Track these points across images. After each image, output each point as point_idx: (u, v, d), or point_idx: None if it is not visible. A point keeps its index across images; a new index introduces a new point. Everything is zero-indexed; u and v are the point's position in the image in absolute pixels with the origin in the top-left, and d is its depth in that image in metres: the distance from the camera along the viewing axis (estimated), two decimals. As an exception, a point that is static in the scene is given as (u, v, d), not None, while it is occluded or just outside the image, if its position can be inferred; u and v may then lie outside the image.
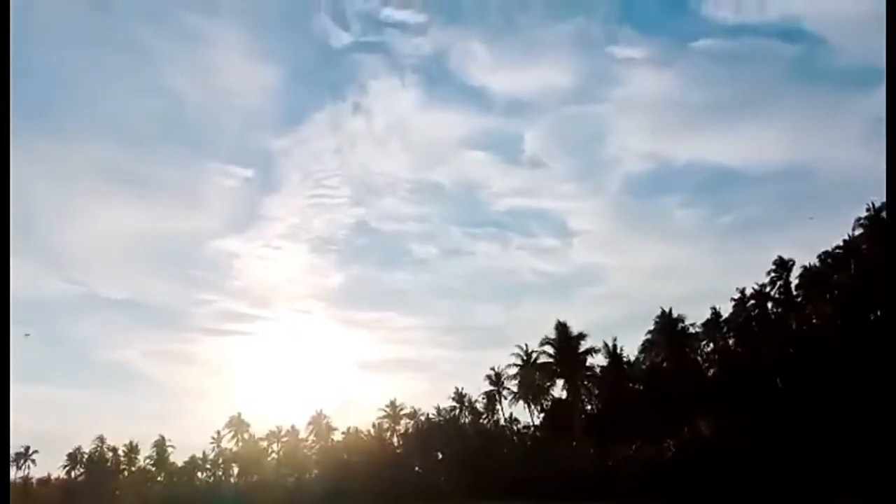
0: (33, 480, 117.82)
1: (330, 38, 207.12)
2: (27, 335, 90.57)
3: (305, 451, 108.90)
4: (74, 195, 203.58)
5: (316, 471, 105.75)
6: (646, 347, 77.09)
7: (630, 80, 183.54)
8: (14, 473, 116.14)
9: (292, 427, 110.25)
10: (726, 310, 71.34)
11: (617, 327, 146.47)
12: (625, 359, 79.09)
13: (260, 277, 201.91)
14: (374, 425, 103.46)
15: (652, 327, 75.96)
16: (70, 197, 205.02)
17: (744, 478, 51.18)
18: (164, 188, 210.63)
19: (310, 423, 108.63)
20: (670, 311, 75.07)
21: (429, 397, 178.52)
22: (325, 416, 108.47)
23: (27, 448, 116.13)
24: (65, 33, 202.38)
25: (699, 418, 68.55)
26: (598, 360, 79.91)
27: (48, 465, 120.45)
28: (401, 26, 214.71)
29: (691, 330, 73.96)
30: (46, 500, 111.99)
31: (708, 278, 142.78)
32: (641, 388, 75.05)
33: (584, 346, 79.81)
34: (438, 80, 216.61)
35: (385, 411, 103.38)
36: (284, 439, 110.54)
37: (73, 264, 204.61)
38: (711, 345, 73.95)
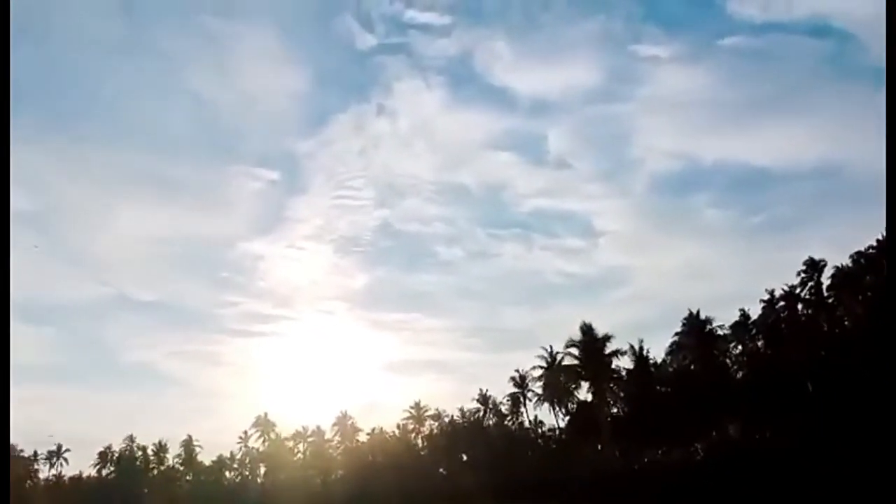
0: (66, 478, 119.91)
1: (354, 41, 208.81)
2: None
3: (331, 451, 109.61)
4: (105, 199, 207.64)
5: (341, 471, 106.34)
6: (673, 350, 76.17)
7: (655, 78, 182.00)
8: (47, 471, 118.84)
9: (317, 427, 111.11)
10: (755, 311, 70.37)
11: (643, 329, 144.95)
12: (651, 361, 78.19)
13: (285, 279, 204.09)
14: (398, 426, 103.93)
15: (679, 329, 75.05)
16: (101, 201, 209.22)
17: (773, 482, 50.27)
18: (191, 191, 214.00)
19: (335, 424, 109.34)
20: (698, 312, 74.08)
21: (453, 399, 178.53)
22: (350, 417, 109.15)
23: (59, 446, 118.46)
24: (94, 41, 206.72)
25: (728, 421, 67.64)
26: (625, 363, 79.06)
27: (80, 464, 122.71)
28: (425, 28, 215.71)
29: (720, 332, 72.86)
30: (78, 497, 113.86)
31: (737, 279, 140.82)
32: (669, 390, 74.14)
33: (610, 347, 78.89)
34: (462, 80, 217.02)
35: (409, 413, 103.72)
36: (310, 439, 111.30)
37: (105, 267, 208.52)
38: (740, 347, 72.83)
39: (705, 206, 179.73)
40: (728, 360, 73.44)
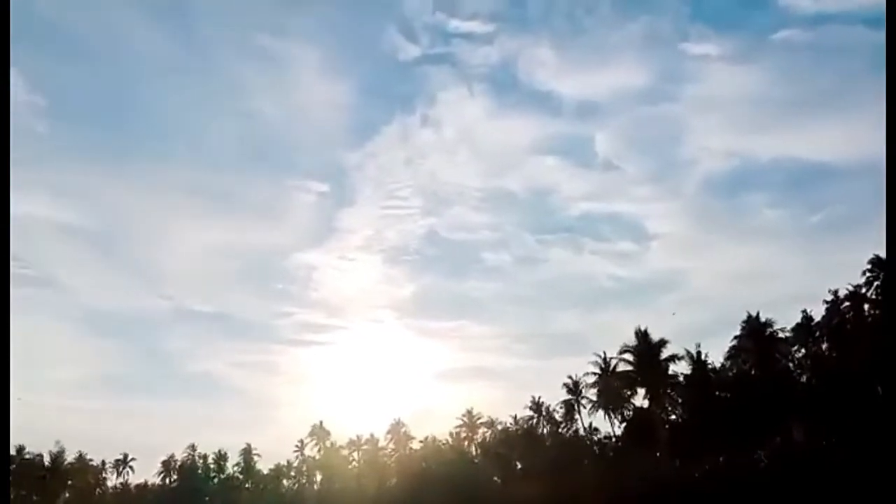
0: (132, 486, 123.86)
1: (398, 52, 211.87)
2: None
3: (385, 459, 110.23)
4: (164, 215, 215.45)
5: (395, 479, 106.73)
6: (732, 354, 73.79)
7: (705, 77, 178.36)
8: (114, 479, 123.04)
9: (371, 435, 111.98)
10: (818, 313, 67.66)
11: (700, 333, 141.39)
12: (710, 366, 76.03)
13: (336, 289, 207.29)
14: (451, 434, 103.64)
15: (738, 332, 72.82)
16: (160, 217, 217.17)
17: (841, 489, 48.18)
18: (245, 205, 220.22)
19: (388, 432, 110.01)
20: (758, 315, 71.68)
21: (504, 406, 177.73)
22: (403, 425, 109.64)
23: (126, 455, 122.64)
24: (155, 63, 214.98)
25: (792, 427, 65.09)
26: (682, 368, 77.18)
27: (145, 472, 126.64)
28: (468, 37, 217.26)
29: (781, 335, 70.36)
30: (144, 503, 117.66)
31: (797, 280, 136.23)
32: (728, 396, 71.85)
33: (665, 353, 77.33)
34: (507, 87, 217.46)
35: (462, 420, 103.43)
36: (364, 447, 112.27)
37: (165, 280, 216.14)
38: (803, 350, 70.09)
39: (761, 205, 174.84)
40: (791, 364, 70.78)
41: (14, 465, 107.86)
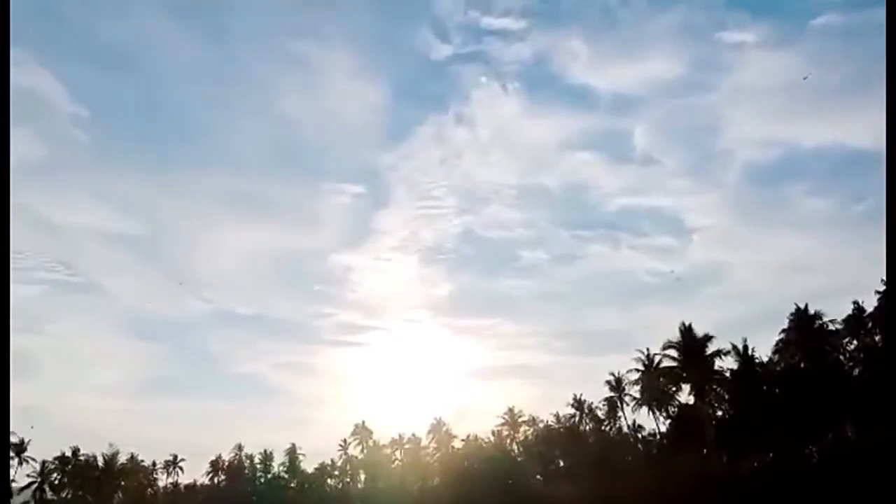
0: (181, 486, 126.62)
1: (431, 52, 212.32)
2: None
3: (427, 458, 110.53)
4: (204, 219, 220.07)
5: (438, 478, 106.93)
6: (780, 347, 71.95)
7: (743, 65, 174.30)
8: (164, 480, 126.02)
9: (413, 434, 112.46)
10: (870, 303, 65.53)
11: (745, 327, 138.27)
12: (757, 360, 74.25)
13: (373, 290, 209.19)
14: (493, 433, 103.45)
15: (785, 325, 70.98)
16: (200, 221, 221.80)
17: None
18: (283, 208, 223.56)
19: (430, 431, 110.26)
20: (805, 307, 69.79)
21: (543, 404, 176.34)
22: (444, 424, 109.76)
23: (175, 456, 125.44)
24: (188, 71, 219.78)
25: (844, 421, 63.15)
26: (728, 363, 75.55)
27: (194, 472, 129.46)
28: (500, 34, 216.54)
29: (831, 327, 68.37)
30: (193, 503, 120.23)
31: (845, 270, 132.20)
32: (777, 390, 70.11)
33: (711, 348, 75.80)
34: (540, 83, 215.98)
35: (503, 419, 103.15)
36: (407, 446, 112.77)
37: (207, 284, 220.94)
38: (855, 342, 67.96)
39: (804, 195, 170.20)
40: (842, 357, 68.67)
41: (70, 466, 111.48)
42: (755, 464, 69.30)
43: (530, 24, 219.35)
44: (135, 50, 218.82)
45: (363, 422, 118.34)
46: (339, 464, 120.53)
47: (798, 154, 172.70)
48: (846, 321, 67.21)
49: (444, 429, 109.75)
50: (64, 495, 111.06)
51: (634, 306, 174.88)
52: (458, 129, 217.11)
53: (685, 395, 79.00)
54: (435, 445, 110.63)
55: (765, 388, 72.26)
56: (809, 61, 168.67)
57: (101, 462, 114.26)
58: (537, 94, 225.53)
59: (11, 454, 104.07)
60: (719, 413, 77.83)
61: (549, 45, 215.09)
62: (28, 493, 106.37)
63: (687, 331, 77.28)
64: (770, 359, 73.39)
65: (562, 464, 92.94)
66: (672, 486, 64.54)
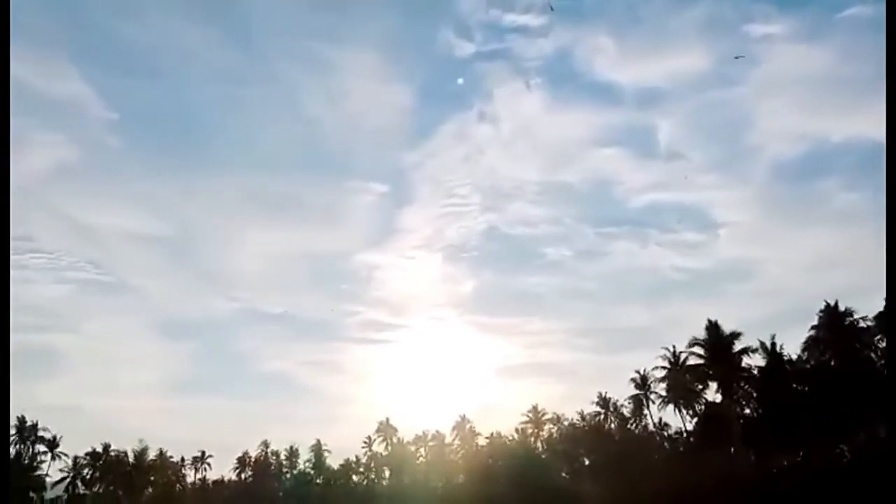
0: (209, 482, 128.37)
1: (454, 51, 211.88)
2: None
3: (451, 455, 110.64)
4: (231, 221, 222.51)
5: (462, 475, 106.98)
6: (809, 345, 70.63)
7: (771, 58, 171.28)
8: (193, 475, 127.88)
9: (437, 432, 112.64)
10: (904, 300, 63.91)
11: (773, 324, 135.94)
12: (786, 358, 72.96)
13: (398, 288, 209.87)
14: (517, 430, 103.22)
15: (815, 322, 69.65)
16: (228, 222, 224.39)
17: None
18: (308, 208, 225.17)
19: (454, 428, 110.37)
20: (836, 303, 68.44)
21: (568, 401, 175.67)
22: (469, 421, 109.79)
23: (203, 452, 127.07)
24: (214, 74, 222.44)
25: (876, 421, 61.73)
26: (755, 361, 74.35)
27: (222, 468, 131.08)
28: (523, 30, 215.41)
29: (862, 324, 66.92)
30: (221, 499, 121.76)
31: (877, 266, 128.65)
32: (806, 388, 68.88)
33: (738, 345, 74.66)
34: (564, 79, 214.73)
35: (528, 416, 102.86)
36: (431, 444, 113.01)
37: (234, 283, 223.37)
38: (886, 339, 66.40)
39: (835, 189, 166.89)
40: (874, 355, 67.14)
41: (101, 462, 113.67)
42: (785, 463, 68.20)
43: (552, 20, 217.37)
44: (162, 55, 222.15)
45: (387, 419, 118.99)
46: (363, 461, 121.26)
47: (827, 148, 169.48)
48: (877, 318, 65.65)
49: (468, 426, 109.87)
50: (96, 490, 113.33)
51: (660, 303, 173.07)
52: (482, 126, 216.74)
53: (712, 393, 78.10)
54: (459, 443, 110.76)
55: (794, 385, 71.01)
56: (838, 54, 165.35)
57: (131, 458, 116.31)
58: (561, 91, 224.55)
59: (45, 449, 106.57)
60: (747, 411, 76.69)
61: (572, 41, 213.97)
62: (61, 488, 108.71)
63: (714, 328, 76.23)
64: (799, 356, 72.14)
65: (587, 462, 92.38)
66: (699, 485, 63.76)
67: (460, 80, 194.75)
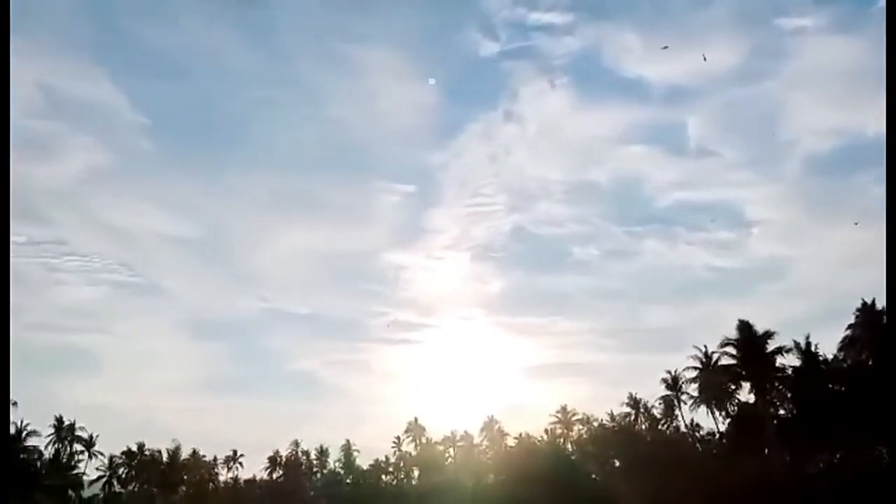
0: (241, 481, 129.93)
1: (479, 50, 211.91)
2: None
3: (480, 455, 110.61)
4: (259, 221, 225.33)
5: (491, 476, 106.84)
6: (845, 344, 69.25)
7: (803, 51, 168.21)
8: (225, 474, 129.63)
9: (466, 432, 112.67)
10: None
11: (808, 324, 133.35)
12: (821, 358, 71.56)
13: (426, 288, 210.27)
14: (546, 431, 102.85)
15: (851, 321, 68.26)
16: (255, 223, 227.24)
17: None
18: (335, 209, 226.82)
19: (483, 429, 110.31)
20: (873, 302, 66.95)
21: (595, 402, 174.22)
22: (497, 422, 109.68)
23: (235, 452, 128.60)
24: (240, 76, 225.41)
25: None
26: (790, 361, 73.09)
27: (253, 467, 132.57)
28: (548, 28, 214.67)
29: (901, 322, 65.30)
30: (253, 498, 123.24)
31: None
32: (843, 389, 67.53)
33: (772, 345, 73.42)
34: (590, 77, 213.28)
35: (556, 417, 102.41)
36: (460, 444, 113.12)
37: (263, 283, 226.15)
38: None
39: (870, 184, 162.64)
40: (913, 354, 65.51)
41: (136, 461, 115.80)
42: (821, 465, 66.91)
43: (578, 17, 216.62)
44: (190, 58, 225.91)
45: (416, 419, 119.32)
46: (392, 460, 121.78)
47: (863, 142, 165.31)
48: (917, 316, 64.07)
49: (496, 427, 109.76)
50: (131, 488, 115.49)
51: (690, 303, 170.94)
52: (507, 125, 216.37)
53: (745, 394, 76.96)
54: (488, 443, 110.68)
55: (830, 386, 69.70)
56: (873, 46, 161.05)
57: (165, 457, 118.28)
58: (587, 88, 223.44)
59: (81, 448, 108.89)
60: (781, 412, 75.44)
61: (599, 38, 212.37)
62: (98, 486, 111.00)
63: (746, 327, 75.11)
64: (835, 356, 70.79)
65: (617, 463, 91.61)
66: (733, 487, 62.86)
67: (432, 81, 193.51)
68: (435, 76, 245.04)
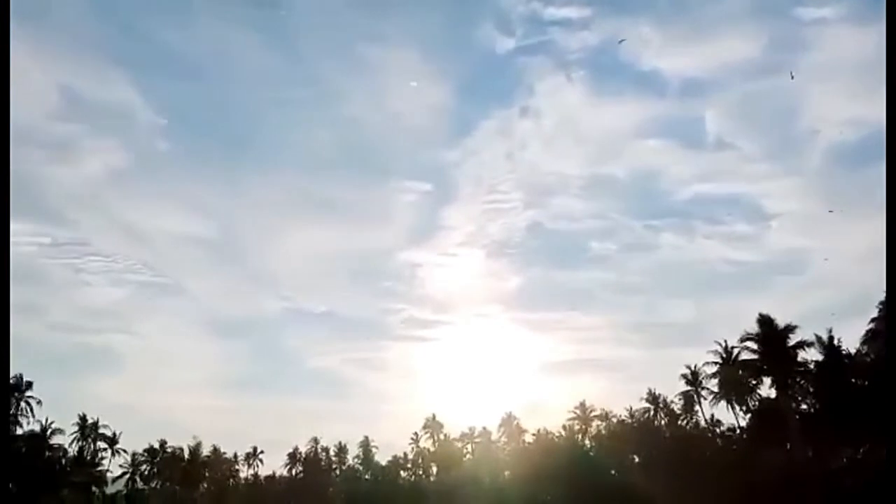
0: (261, 477, 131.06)
1: (494, 46, 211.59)
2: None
3: (498, 452, 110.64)
4: (277, 221, 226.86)
5: (509, 472, 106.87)
6: (869, 338, 68.21)
7: (823, 42, 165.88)
8: (246, 471, 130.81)
9: (484, 428, 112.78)
10: (971, 289, 61.18)
11: (830, 317, 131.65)
12: (844, 352, 70.67)
13: (442, 285, 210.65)
14: (564, 427, 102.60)
15: (875, 315, 67.24)
16: (273, 223, 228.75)
17: None
18: (351, 207, 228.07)
19: (501, 425, 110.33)
20: (896, 295, 65.85)
21: (616, 398, 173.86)
22: (515, 418, 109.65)
23: (255, 448, 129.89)
24: (256, 77, 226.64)
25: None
26: (811, 355, 72.26)
27: (273, 464, 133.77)
28: (564, 23, 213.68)
29: (925, 315, 64.30)
30: (273, 494, 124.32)
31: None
32: (866, 383, 66.59)
33: (793, 339, 72.58)
34: (606, 71, 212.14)
35: (575, 413, 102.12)
36: (477, 440, 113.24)
37: (281, 282, 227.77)
38: (952, 331, 63.66)
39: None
40: (939, 347, 64.49)
41: (158, 458, 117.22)
42: (845, 460, 66.12)
43: (594, 11, 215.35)
44: (205, 58, 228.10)
45: (434, 415, 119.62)
46: (411, 457, 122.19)
47: (883, 134, 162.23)
48: (943, 309, 63.04)
49: (514, 423, 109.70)
50: (153, 485, 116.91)
51: (709, 297, 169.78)
52: (523, 121, 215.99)
53: (766, 389, 76.13)
54: (505, 440, 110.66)
55: (853, 380, 68.78)
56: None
57: (186, 454, 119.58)
58: (603, 82, 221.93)
59: (105, 446, 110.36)
60: (804, 407, 74.62)
61: (615, 32, 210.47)
62: (121, 483, 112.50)
63: (767, 321, 74.28)
64: (858, 350, 69.81)
65: (636, 459, 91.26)
66: (755, 483, 62.36)
67: (413, 83, 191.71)
68: (451, 74, 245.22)
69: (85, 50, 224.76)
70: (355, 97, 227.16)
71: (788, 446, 71.33)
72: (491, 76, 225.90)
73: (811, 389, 73.23)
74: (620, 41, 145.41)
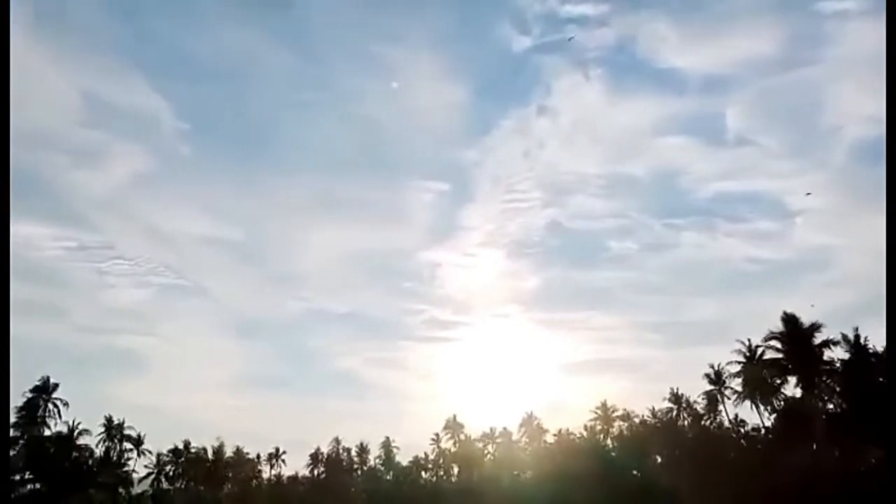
0: (284, 478, 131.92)
1: (511, 45, 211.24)
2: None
3: (519, 452, 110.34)
4: (297, 223, 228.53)
5: (531, 472, 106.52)
6: (896, 336, 67.00)
7: (845, 36, 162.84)
8: (268, 471, 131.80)
9: (504, 429, 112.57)
10: None
11: (855, 315, 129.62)
12: (870, 350, 69.50)
13: (462, 285, 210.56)
14: (585, 427, 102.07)
15: (902, 313, 65.95)
16: (294, 224, 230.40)
17: None
18: (371, 208, 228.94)
19: (521, 425, 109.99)
20: (925, 292, 64.58)
21: (635, 397, 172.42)
22: (536, 418, 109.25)
23: (277, 449, 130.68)
24: (277, 80, 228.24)
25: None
26: (838, 354, 71.16)
27: (295, 464, 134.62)
28: (581, 21, 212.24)
29: (955, 313, 62.97)
30: (296, 494, 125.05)
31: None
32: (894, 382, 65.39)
33: (818, 338, 71.57)
34: (624, 69, 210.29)
35: (596, 413, 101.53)
36: (498, 440, 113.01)
37: (302, 283, 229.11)
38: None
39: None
40: (969, 346, 63.12)
41: (182, 459, 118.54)
42: (872, 460, 65.05)
43: (612, 8, 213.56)
44: (224, 62, 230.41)
45: (454, 416, 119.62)
46: (432, 457, 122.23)
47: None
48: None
49: (535, 423, 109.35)
50: (178, 485, 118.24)
51: (733, 296, 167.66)
52: (541, 120, 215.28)
53: (791, 388, 75.12)
54: (527, 440, 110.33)
55: (880, 379, 67.60)
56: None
57: (210, 455, 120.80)
58: (622, 80, 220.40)
59: (130, 447, 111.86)
60: (830, 406, 73.47)
61: (633, 29, 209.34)
62: (146, 483, 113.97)
63: (791, 320, 73.34)
64: (885, 348, 68.55)
65: (659, 459, 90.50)
66: (781, 483, 61.58)
67: (395, 84, 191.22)
68: (468, 73, 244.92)
69: (106, 55, 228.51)
70: (373, 98, 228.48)
71: (814, 447, 70.28)
72: (508, 75, 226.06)
73: (837, 389, 72.13)
74: (570, 38, 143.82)
